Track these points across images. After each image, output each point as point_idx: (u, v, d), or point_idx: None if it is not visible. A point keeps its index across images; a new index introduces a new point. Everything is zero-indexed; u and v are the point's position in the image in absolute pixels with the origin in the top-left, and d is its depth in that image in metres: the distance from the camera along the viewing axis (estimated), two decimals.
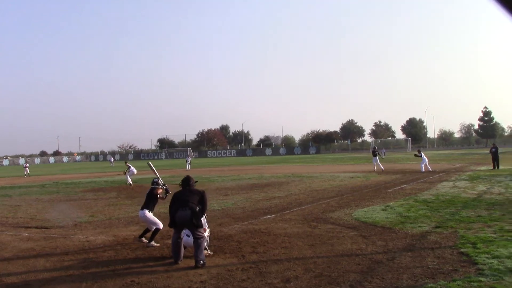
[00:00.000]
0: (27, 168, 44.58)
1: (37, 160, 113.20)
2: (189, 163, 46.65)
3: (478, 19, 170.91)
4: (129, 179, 25.11)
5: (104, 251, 8.60)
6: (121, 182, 26.38)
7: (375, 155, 30.79)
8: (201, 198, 7.94)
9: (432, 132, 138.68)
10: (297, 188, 19.82)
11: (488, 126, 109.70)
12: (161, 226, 9.13)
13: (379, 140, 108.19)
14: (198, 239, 7.43)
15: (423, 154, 27.88)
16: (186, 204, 7.69)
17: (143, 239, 9.24)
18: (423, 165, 27.37)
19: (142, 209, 9.28)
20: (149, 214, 9.12)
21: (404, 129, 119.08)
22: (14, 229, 11.75)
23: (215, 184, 23.76)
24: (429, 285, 5.79)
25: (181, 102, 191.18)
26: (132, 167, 25.81)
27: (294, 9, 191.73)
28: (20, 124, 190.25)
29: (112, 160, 74.12)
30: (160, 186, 9.57)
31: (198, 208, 7.76)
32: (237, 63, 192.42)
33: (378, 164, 30.04)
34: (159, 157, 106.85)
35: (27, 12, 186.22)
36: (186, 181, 8.26)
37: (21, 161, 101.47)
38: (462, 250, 7.54)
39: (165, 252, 8.39)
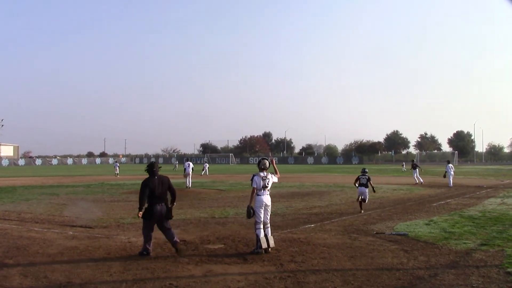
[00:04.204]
0: (117, 168, 45.33)
1: (84, 161, 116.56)
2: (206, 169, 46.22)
3: None
4: (189, 182, 26.51)
5: None
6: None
7: (414, 168, 30.57)
8: (169, 187, 8.83)
9: (481, 146, 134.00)
10: (338, 198, 19.61)
11: None
12: None
13: (424, 153, 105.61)
14: (170, 229, 8.72)
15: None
16: (163, 200, 8.65)
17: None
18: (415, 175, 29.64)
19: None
20: None
21: (451, 142, 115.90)
22: (60, 227, 12.16)
23: None
24: None
25: (226, 108, 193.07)
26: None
27: (348, 19, 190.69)
28: (69, 126, 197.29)
29: (176, 163, 72.89)
30: None
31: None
32: (281, 71, 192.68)
33: (418, 177, 29.84)
34: (202, 162, 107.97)
35: (85, 18, 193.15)
36: (151, 167, 8.78)
37: (110, 160, 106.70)
38: (509, 269, 7.27)
39: (203, 258, 8.45)
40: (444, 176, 27.91)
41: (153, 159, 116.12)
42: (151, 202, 8.53)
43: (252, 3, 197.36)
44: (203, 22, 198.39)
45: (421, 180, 29.48)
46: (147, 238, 8.60)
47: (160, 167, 9.21)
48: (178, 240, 8.75)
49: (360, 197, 15.06)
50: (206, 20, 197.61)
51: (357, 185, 15.38)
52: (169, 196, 8.90)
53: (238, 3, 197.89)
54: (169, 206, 8.76)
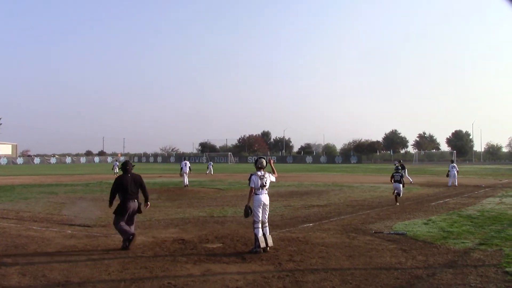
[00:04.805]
0: (116, 167, 45.00)
1: (83, 159, 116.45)
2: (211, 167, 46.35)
3: None
4: (187, 180, 26.60)
5: (143, 252, 8.77)
6: (162, 184, 26.84)
7: (403, 168, 30.84)
8: (141, 185, 9.53)
9: (479, 146, 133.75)
10: (336, 197, 19.62)
11: None
12: None
13: (422, 152, 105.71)
14: (134, 223, 9.52)
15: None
16: (135, 197, 9.33)
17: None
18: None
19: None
20: None
21: (449, 141, 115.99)
22: (59, 226, 12.16)
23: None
24: None
25: (225, 107, 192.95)
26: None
27: (347, 19, 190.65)
28: (68, 125, 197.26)
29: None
30: None
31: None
32: (280, 70, 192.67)
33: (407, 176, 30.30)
34: (200, 161, 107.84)
35: (85, 18, 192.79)
36: (125, 166, 9.64)
37: (109, 159, 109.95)
38: (507, 269, 7.27)
39: (202, 257, 8.45)
40: (447, 175, 27.54)
41: (151, 158, 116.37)
42: (124, 198, 9.21)
43: (252, 3, 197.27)
44: (203, 22, 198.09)
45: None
46: (123, 229, 9.07)
47: (134, 165, 10.08)
48: (134, 233, 9.24)
49: (395, 191, 17.24)
50: (206, 20, 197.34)
51: (392, 181, 17.53)
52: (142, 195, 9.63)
53: (238, 3, 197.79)
54: (144, 205, 9.64)
